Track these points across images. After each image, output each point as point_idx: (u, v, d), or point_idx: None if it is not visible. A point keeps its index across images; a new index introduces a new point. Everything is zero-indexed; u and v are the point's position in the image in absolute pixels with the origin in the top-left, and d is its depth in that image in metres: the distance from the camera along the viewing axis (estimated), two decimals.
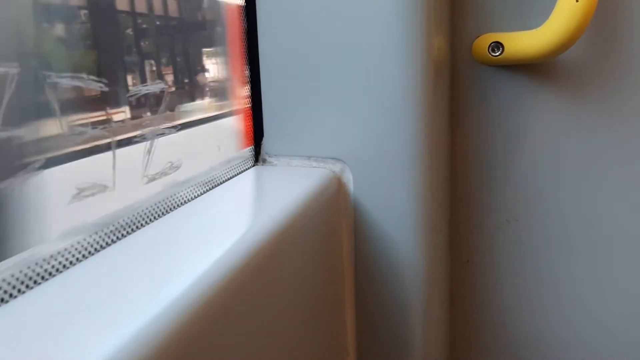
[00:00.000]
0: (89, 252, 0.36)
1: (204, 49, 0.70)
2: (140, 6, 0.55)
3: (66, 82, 0.37)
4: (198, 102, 0.68)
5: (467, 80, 0.71)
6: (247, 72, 0.62)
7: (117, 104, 0.46)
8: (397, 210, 0.57)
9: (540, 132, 0.71)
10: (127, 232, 0.40)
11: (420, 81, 0.55)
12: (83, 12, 0.45)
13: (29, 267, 0.31)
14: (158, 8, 0.59)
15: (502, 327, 0.78)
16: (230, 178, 0.57)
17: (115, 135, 0.40)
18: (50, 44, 0.40)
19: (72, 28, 0.42)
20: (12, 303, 0.29)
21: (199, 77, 0.69)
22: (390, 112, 0.55)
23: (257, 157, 0.62)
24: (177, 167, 0.47)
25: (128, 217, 0.41)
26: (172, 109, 0.53)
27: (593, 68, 0.67)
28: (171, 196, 0.46)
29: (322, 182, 0.55)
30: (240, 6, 0.61)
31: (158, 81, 0.54)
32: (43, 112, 0.36)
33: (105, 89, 0.41)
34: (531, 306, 0.76)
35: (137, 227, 0.41)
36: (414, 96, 0.55)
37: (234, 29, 0.64)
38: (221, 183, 0.55)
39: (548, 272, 0.74)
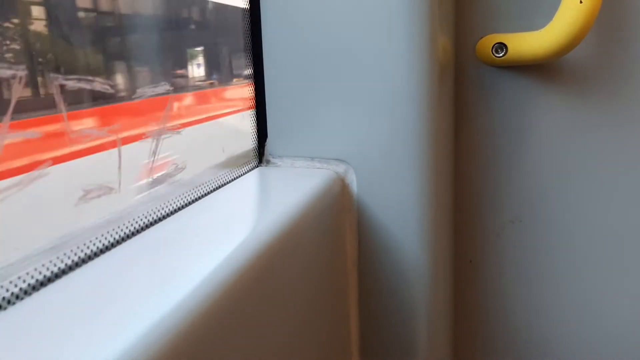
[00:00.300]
0: (94, 254, 0.36)
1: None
2: None
3: None
4: None
5: (471, 81, 0.71)
6: (251, 73, 0.63)
7: None
8: (401, 211, 0.57)
9: (544, 133, 0.71)
10: (132, 234, 0.40)
11: (425, 82, 0.55)
12: None
13: (35, 269, 0.32)
14: None
15: (506, 327, 0.77)
16: (234, 179, 0.57)
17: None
18: None
19: None
20: (19, 304, 0.29)
21: None
22: (394, 113, 0.55)
23: (261, 158, 0.62)
24: (182, 169, 0.47)
25: (133, 219, 0.41)
26: None
27: (597, 69, 0.67)
28: (174, 198, 0.46)
29: (326, 183, 0.55)
30: (245, 7, 0.61)
31: None
32: None
33: None
34: (535, 307, 0.76)
35: (141, 229, 0.41)
36: (418, 97, 0.55)
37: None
38: (225, 184, 0.55)
39: (552, 273, 0.74)
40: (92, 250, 0.36)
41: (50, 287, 0.31)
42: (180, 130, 0.51)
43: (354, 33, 0.55)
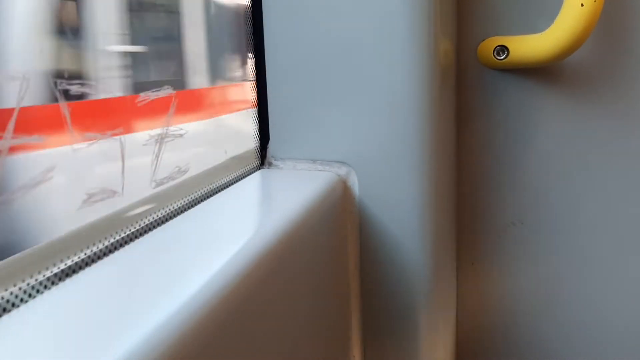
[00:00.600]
0: (98, 257, 0.36)
1: None
2: None
3: None
4: None
5: (472, 83, 0.71)
6: (253, 76, 0.63)
7: None
8: (403, 213, 0.57)
9: (546, 135, 0.71)
10: (136, 236, 0.40)
11: (427, 85, 0.55)
12: None
13: (47, 268, 0.32)
14: None
15: (508, 329, 0.77)
16: (237, 181, 0.57)
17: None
18: None
19: None
20: (30, 304, 0.30)
21: None
22: (396, 115, 0.55)
23: (263, 160, 0.62)
24: (185, 172, 0.47)
25: (137, 221, 0.41)
26: None
27: (599, 71, 0.67)
28: (177, 200, 0.46)
29: (328, 185, 0.55)
30: (247, 8, 0.62)
31: None
32: None
33: None
34: (537, 308, 0.76)
35: (145, 231, 0.41)
36: (420, 100, 0.55)
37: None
38: (227, 186, 0.55)
39: (554, 275, 0.74)
40: (96, 253, 0.36)
41: (55, 290, 0.31)
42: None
43: (356, 36, 0.55)
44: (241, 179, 0.58)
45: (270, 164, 0.62)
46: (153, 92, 0.46)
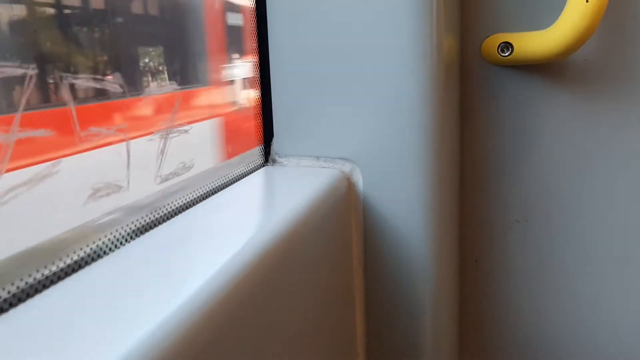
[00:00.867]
0: (103, 252, 0.36)
1: None
2: None
3: None
4: None
5: (476, 80, 0.71)
6: (257, 72, 0.63)
7: None
8: (407, 210, 0.57)
9: (551, 132, 0.70)
10: (139, 232, 0.40)
11: (431, 81, 0.55)
12: None
13: (45, 266, 0.32)
14: None
15: (512, 327, 0.77)
16: (240, 178, 0.57)
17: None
18: None
19: None
20: (30, 302, 0.30)
21: None
22: (400, 112, 0.55)
23: (267, 157, 0.62)
24: (189, 168, 0.47)
25: (141, 217, 0.41)
26: None
27: (603, 68, 0.67)
28: (180, 197, 0.47)
29: (332, 182, 0.55)
30: (251, 7, 0.62)
31: None
32: None
33: None
34: (540, 306, 0.76)
35: (149, 227, 0.41)
36: (424, 96, 0.55)
37: None
38: (231, 183, 0.55)
39: (558, 272, 0.74)
40: (100, 248, 0.36)
41: (57, 286, 0.32)
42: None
43: (360, 33, 0.55)
44: (245, 176, 0.58)
45: (274, 161, 0.62)
46: None
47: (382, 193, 0.58)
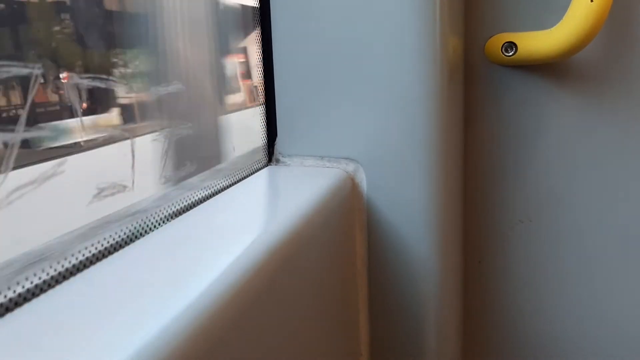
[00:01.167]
0: (108, 252, 0.36)
1: None
2: None
3: None
4: None
5: (480, 80, 0.71)
6: (261, 72, 0.63)
7: None
8: (411, 210, 0.57)
9: (554, 133, 0.70)
10: (143, 233, 0.40)
11: (435, 81, 0.55)
12: None
13: (50, 266, 0.32)
14: None
15: (515, 327, 0.77)
16: (244, 178, 0.57)
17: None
18: None
19: None
20: (35, 301, 0.30)
21: None
22: (404, 112, 0.55)
23: (271, 157, 0.62)
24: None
25: (145, 217, 0.41)
26: None
27: (607, 68, 0.67)
28: (184, 196, 0.46)
29: (336, 182, 0.55)
30: (254, 6, 0.61)
31: None
32: None
33: None
34: (544, 307, 0.75)
35: (153, 227, 0.41)
36: (427, 96, 0.55)
37: None
38: (235, 183, 0.55)
39: (561, 273, 0.74)
40: (105, 249, 0.36)
41: (62, 286, 0.31)
42: None
43: (364, 32, 0.55)
44: (249, 175, 0.58)
45: (277, 161, 0.61)
46: None
47: (386, 193, 0.58)
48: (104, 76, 0.43)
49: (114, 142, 0.45)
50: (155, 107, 0.53)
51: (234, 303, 0.31)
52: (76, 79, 0.39)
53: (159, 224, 0.42)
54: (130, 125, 0.50)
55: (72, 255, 0.33)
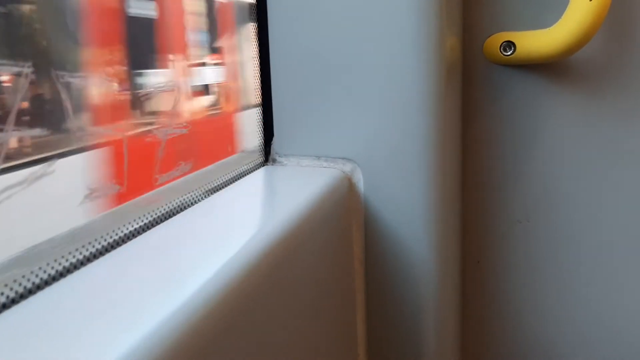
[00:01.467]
0: (100, 252, 0.36)
1: None
2: None
3: None
4: None
5: (478, 79, 0.71)
6: (258, 71, 0.62)
7: None
8: (408, 210, 0.57)
9: (552, 132, 0.70)
10: (138, 232, 0.40)
11: (433, 81, 0.54)
12: None
13: (39, 268, 0.31)
14: None
15: (514, 327, 0.77)
16: (240, 178, 0.56)
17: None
18: None
19: None
20: (26, 302, 0.29)
21: None
22: (402, 112, 0.55)
23: (267, 156, 0.62)
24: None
25: (139, 217, 0.41)
26: None
27: (606, 67, 0.67)
28: (180, 196, 0.46)
29: (333, 182, 0.54)
30: (252, 5, 0.61)
31: None
32: None
33: None
34: (543, 307, 0.75)
35: (148, 227, 0.41)
36: (425, 96, 0.54)
37: None
38: (231, 183, 0.54)
39: (560, 273, 0.74)
40: (97, 249, 0.36)
41: (56, 286, 0.31)
42: None
43: (361, 32, 0.55)
44: (245, 175, 0.57)
45: (274, 161, 0.61)
46: None
47: (384, 193, 0.57)
48: None
49: None
50: None
51: (228, 302, 0.31)
52: None
53: (155, 223, 0.42)
54: None
55: (69, 253, 0.33)
